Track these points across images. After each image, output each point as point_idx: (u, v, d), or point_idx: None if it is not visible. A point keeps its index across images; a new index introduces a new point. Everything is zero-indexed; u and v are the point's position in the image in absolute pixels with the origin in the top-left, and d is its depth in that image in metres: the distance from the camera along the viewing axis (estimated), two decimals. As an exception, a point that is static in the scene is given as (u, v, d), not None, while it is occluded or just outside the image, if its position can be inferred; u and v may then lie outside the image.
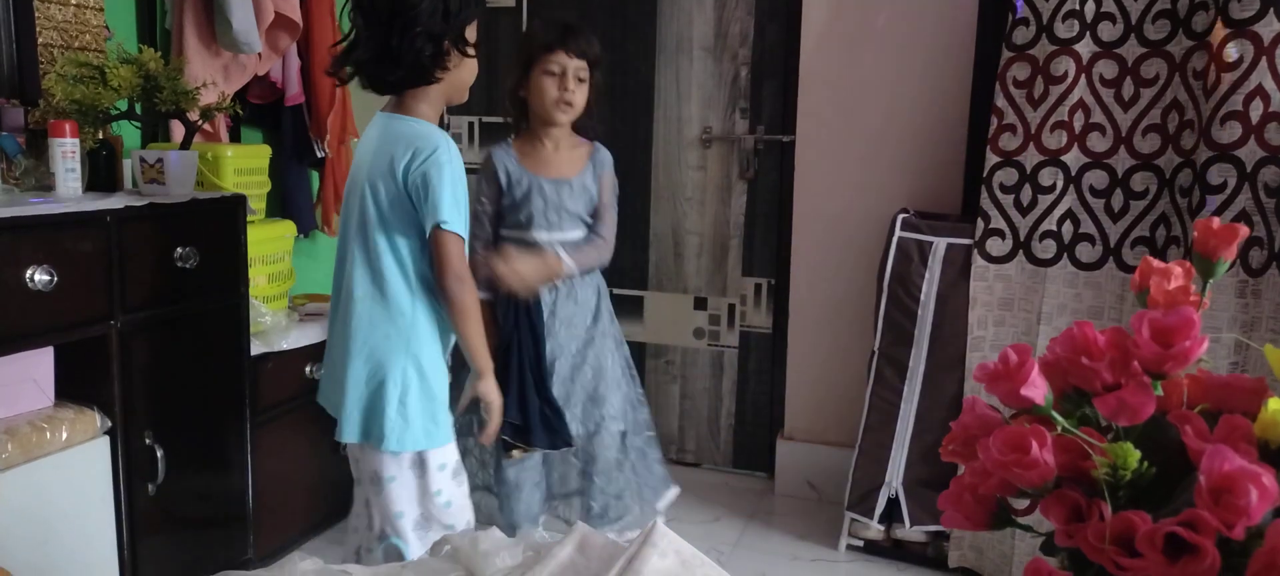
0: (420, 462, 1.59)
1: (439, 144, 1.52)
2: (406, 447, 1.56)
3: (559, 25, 1.95)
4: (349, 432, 1.58)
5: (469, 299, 1.56)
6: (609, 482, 2.02)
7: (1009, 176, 2.17)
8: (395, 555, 1.61)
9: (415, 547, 1.60)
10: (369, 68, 1.54)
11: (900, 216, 2.30)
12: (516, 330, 1.91)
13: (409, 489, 1.59)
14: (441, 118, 3.02)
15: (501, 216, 2.00)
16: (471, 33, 1.56)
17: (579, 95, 1.93)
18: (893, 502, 2.31)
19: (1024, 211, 2.16)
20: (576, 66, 1.92)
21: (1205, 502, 0.53)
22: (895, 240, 2.28)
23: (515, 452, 1.92)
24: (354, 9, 1.54)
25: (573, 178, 1.98)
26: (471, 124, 3.07)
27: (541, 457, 2.00)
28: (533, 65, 1.92)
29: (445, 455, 1.62)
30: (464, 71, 1.59)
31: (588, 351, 2.02)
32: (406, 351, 1.56)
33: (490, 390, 1.67)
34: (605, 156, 2.05)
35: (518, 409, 1.85)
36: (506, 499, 2.00)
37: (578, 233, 2.00)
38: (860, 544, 2.40)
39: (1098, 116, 2.10)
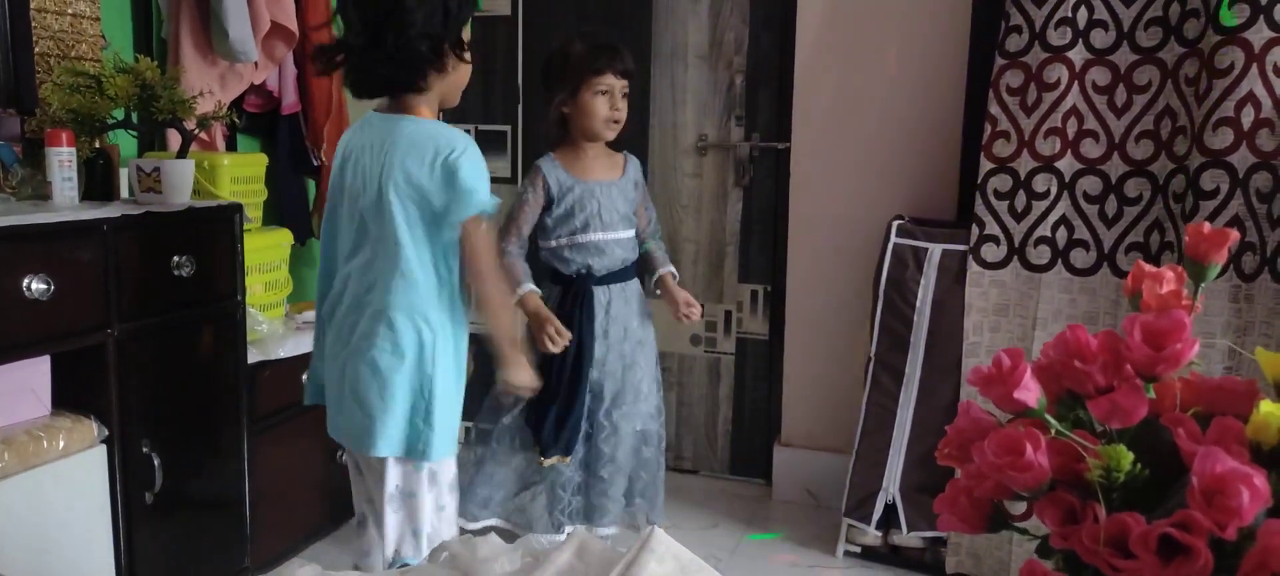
0: (433, 476, 1.58)
1: (461, 139, 1.52)
2: (440, 455, 1.56)
3: (605, 46, 2.03)
4: (387, 447, 1.53)
5: (500, 290, 1.63)
6: (611, 484, 2.11)
7: (1003, 183, 2.18)
8: None
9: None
10: (357, 67, 1.51)
11: (895, 223, 2.30)
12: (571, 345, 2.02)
13: (428, 504, 1.58)
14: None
15: (546, 227, 2.08)
16: (466, 34, 1.55)
17: (624, 112, 2.07)
18: (890, 508, 2.32)
19: (1018, 217, 2.17)
20: (622, 86, 2.04)
21: (1198, 504, 0.53)
22: (890, 246, 2.28)
23: (549, 460, 2.06)
24: (344, 6, 1.50)
25: (618, 180, 2.11)
26: (468, 131, 3.08)
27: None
28: (582, 86, 2.01)
29: (453, 467, 1.63)
30: (460, 75, 1.57)
31: (627, 349, 2.11)
32: (437, 359, 1.54)
33: (522, 375, 1.69)
34: (637, 162, 2.19)
35: (556, 425, 2.02)
36: (484, 472, 2.15)
37: (627, 232, 2.11)
38: (858, 550, 2.40)
39: (1091, 123, 2.11)
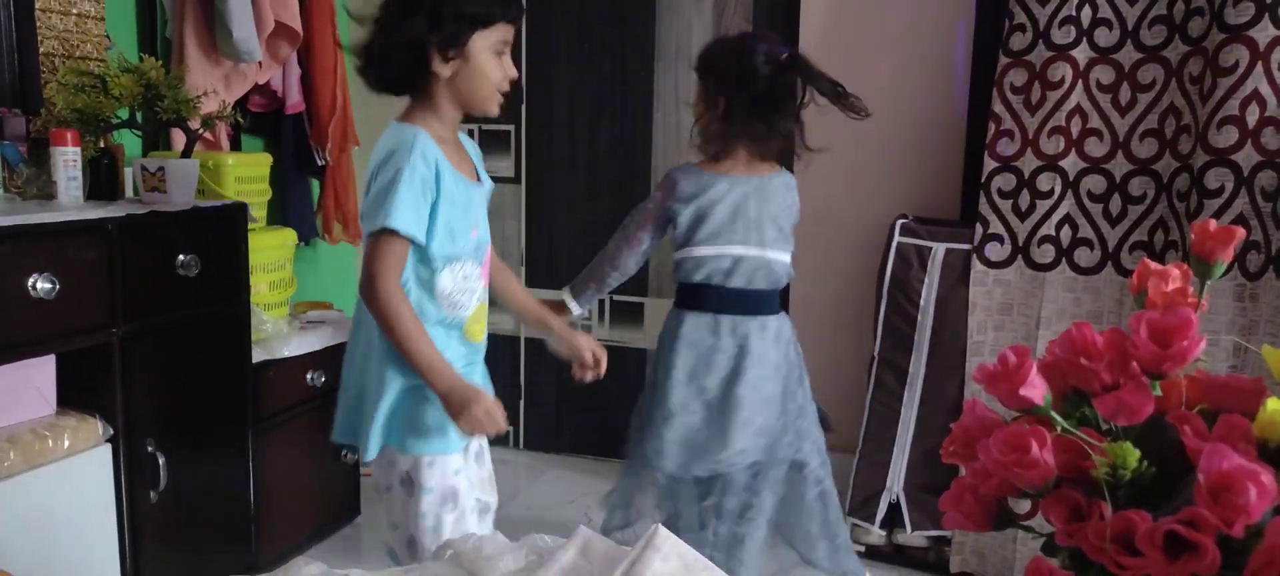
0: (408, 479, 1.53)
1: (394, 146, 1.43)
2: (371, 453, 1.50)
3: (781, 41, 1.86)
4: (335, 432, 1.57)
5: (388, 309, 1.41)
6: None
7: (1007, 182, 2.18)
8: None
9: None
10: (359, 62, 1.48)
11: (899, 222, 2.30)
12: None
13: (399, 503, 1.53)
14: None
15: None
16: (482, 40, 1.45)
17: None
18: (894, 508, 2.31)
19: (1022, 216, 2.16)
20: None
21: (1205, 501, 0.53)
22: (894, 246, 2.28)
23: None
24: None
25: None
26: (471, 132, 3.08)
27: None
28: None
29: (432, 477, 1.51)
30: (469, 80, 1.47)
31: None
32: (382, 356, 1.49)
33: (458, 404, 1.42)
34: (783, 179, 1.97)
35: None
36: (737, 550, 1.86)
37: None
38: (862, 549, 2.40)
39: (1095, 122, 2.10)
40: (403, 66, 1.44)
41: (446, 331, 1.50)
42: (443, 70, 1.44)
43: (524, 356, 3.13)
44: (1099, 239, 2.11)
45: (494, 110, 1.51)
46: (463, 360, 1.52)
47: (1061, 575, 0.61)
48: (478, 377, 1.57)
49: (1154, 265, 0.69)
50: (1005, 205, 2.18)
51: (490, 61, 1.46)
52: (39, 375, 1.69)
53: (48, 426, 1.65)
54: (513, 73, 1.51)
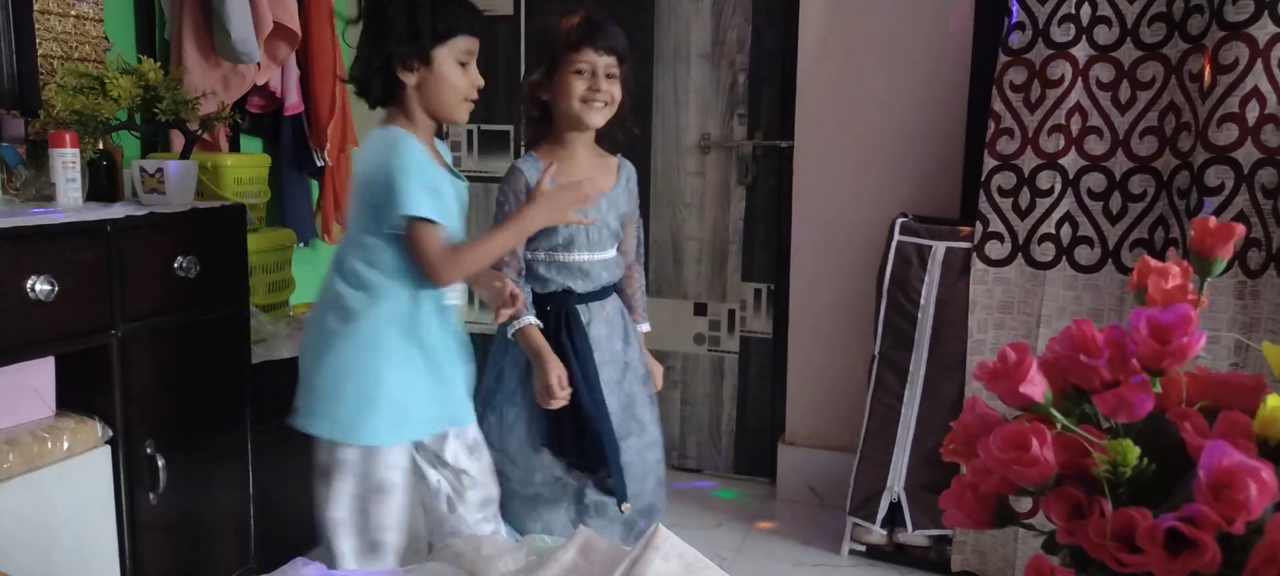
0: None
1: (386, 143, 1.52)
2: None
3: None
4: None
5: (465, 273, 1.57)
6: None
7: (1007, 180, 2.17)
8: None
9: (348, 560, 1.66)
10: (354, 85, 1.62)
11: (899, 221, 2.30)
12: (577, 363, 1.72)
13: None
14: (442, 129, 3.02)
15: (529, 240, 1.75)
16: (445, 51, 1.54)
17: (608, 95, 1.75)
18: (895, 507, 2.31)
19: (1022, 215, 2.16)
20: (605, 63, 1.73)
21: (1205, 498, 0.53)
22: (894, 244, 2.28)
23: (625, 507, 1.75)
24: None
25: (609, 190, 1.81)
26: (470, 132, 3.08)
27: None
28: (558, 65, 1.72)
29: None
30: (433, 90, 1.56)
31: (623, 378, 1.82)
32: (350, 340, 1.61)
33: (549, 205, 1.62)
34: (633, 170, 1.90)
35: (608, 450, 1.70)
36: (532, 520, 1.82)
37: (611, 253, 1.83)
38: (862, 548, 2.40)
39: (1095, 120, 2.10)
40: (380, 80, 1.55)
41: (433, 300, 1.61)
42: (409, 79, 1.55)
43: (524, 357, 3.13)
44: (1099, 237, 2.11)
45: (462, 117, 1.61)
46: (437, 319, 1.62)
47: (1062, 573, 0.60)
48: (452, 343, 1.67)
49: (1154, 262, 0.69)
50: (1005, 203, 2.18)
51: (454, 71, 1.57)
52: (38, 377, 1.69)
53: (47, 428, 1.65)
54: (479, 81, 1.61)
